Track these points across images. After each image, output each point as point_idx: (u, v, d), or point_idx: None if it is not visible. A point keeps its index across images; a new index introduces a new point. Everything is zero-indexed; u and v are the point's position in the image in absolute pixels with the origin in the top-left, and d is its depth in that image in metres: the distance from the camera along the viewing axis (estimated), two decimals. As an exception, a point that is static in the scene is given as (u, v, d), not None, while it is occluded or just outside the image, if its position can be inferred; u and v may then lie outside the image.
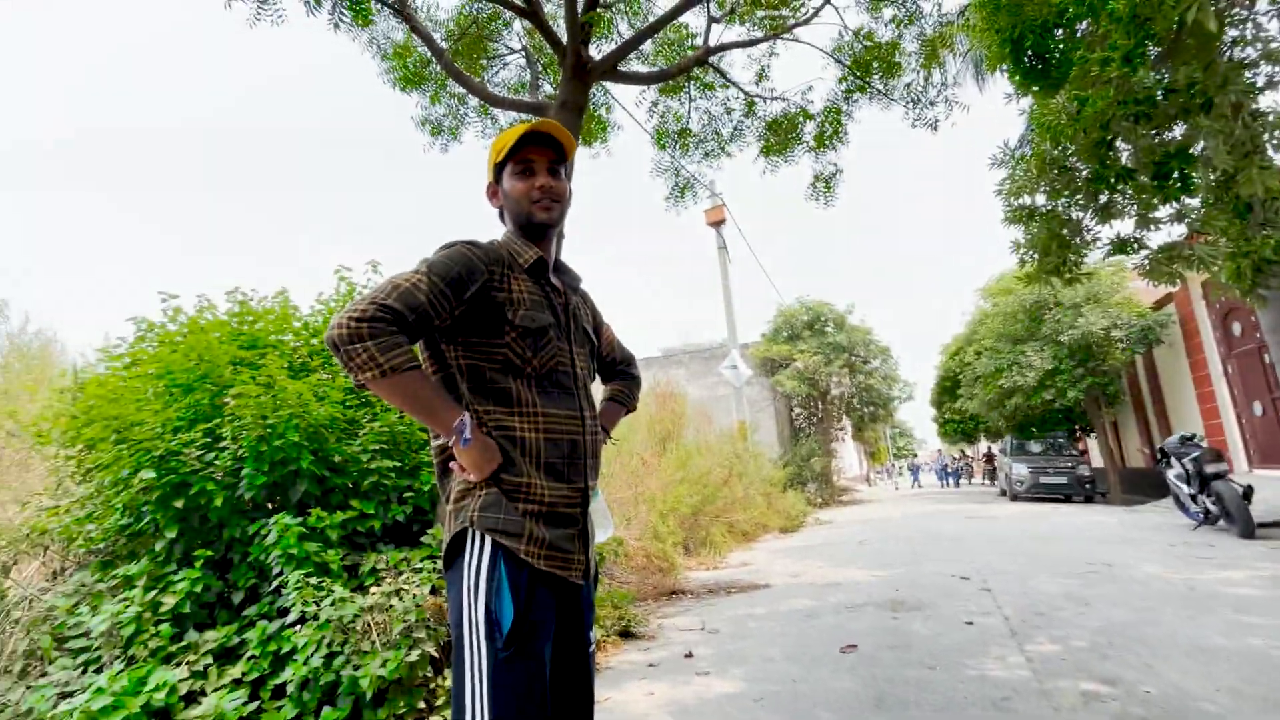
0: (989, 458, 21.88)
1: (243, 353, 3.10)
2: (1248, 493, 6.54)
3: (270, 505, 2.77)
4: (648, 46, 6.31)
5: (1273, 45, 4.61)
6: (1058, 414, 14.97)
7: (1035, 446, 14.83)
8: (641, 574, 5.15)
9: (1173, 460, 7.51)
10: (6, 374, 4.93)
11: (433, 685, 2.42)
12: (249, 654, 2.29)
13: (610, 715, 2.56)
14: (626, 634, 3.74)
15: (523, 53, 6.32)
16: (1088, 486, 13.13)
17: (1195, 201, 5.88)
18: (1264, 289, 5.76)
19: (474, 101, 6.46)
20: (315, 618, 2.29)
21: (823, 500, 15.36)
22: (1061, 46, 5.76)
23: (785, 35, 5.88)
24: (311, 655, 2.21)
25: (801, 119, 6.48)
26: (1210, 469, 6.85)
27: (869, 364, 17.21)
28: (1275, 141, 4.62)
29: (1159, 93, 5.05)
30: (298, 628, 2.32)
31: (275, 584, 2.46)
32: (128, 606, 2.30)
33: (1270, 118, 4.68)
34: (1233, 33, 4.85)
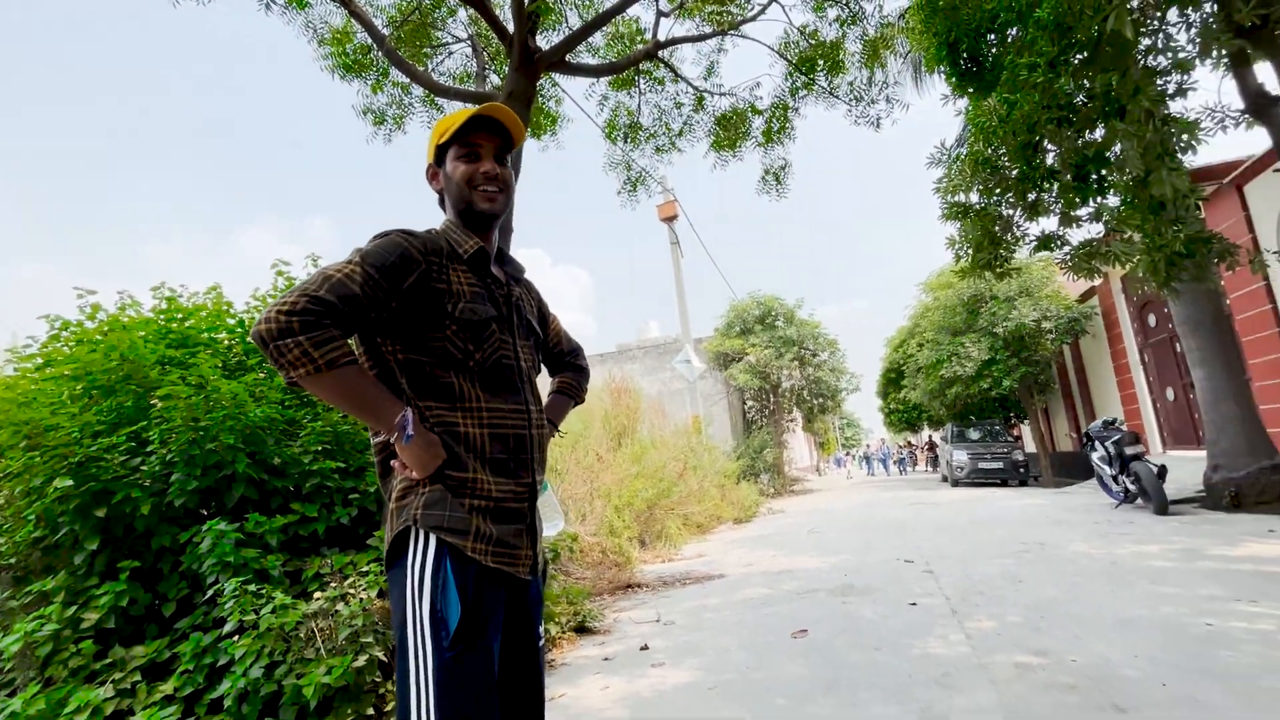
0: (931, 446, 22.80)
1: (171, 351, 2.93)
2: (1162, 472, 7.02)
3: (204, 512, 2.64)
4: (598, 39, 6.27)
5: (1181, 55, 4.92)
6: (994, 402, 15.73)
7: (974, 433, 15.55)
8: (597, 569, 5.15)
9: (1096, 444, 8.00)
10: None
11: (381, 690, 2.35)
12: (181, 669, 2.18)
13: (566, 711, 2.55)
14: (582, 629, 3.73)
15: (468, 42, 6.19)
16: (1022, 471, 13.86)
17: (1113, 201, 6.25)
18: (1176, 282, 6.18)
19: (419, 91, 6.29)
20: (255, 626, 2.19)
21: (775, 491, 15.69)
22: (994, 51, 6.02)
23: (733, 31, 5.94)
24: (250, 666, 2.12)
25: (750, 114, 6.57)
26: (1129, 450, 7.32)
27: (818, 356, 17.65)
28: (1183, 145, 4.95)
29: (1079, 98, 5.35)
30: (235, 638, 2.22)
31: (210, 593, 2.34)
32: (43, 624, 2.15)
33: (1179, 123, 5.00)
34: (1145, 41, 5.18)
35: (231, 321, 3.34)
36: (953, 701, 2.25)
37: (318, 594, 2.38)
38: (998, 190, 5.62)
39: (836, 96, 6.40)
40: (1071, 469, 14.63)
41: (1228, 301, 8.31)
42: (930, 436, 23.93)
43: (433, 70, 6.29)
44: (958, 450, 14.52)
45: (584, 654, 3.32)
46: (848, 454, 41.24)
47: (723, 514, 9.63)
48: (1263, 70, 5.42)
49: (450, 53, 6.42)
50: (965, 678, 2.46)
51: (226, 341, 3.28)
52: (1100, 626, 2.97)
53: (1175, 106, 5.30)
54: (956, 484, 14.40)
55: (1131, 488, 7.36)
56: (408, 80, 5.97)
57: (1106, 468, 7.83)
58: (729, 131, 6.62)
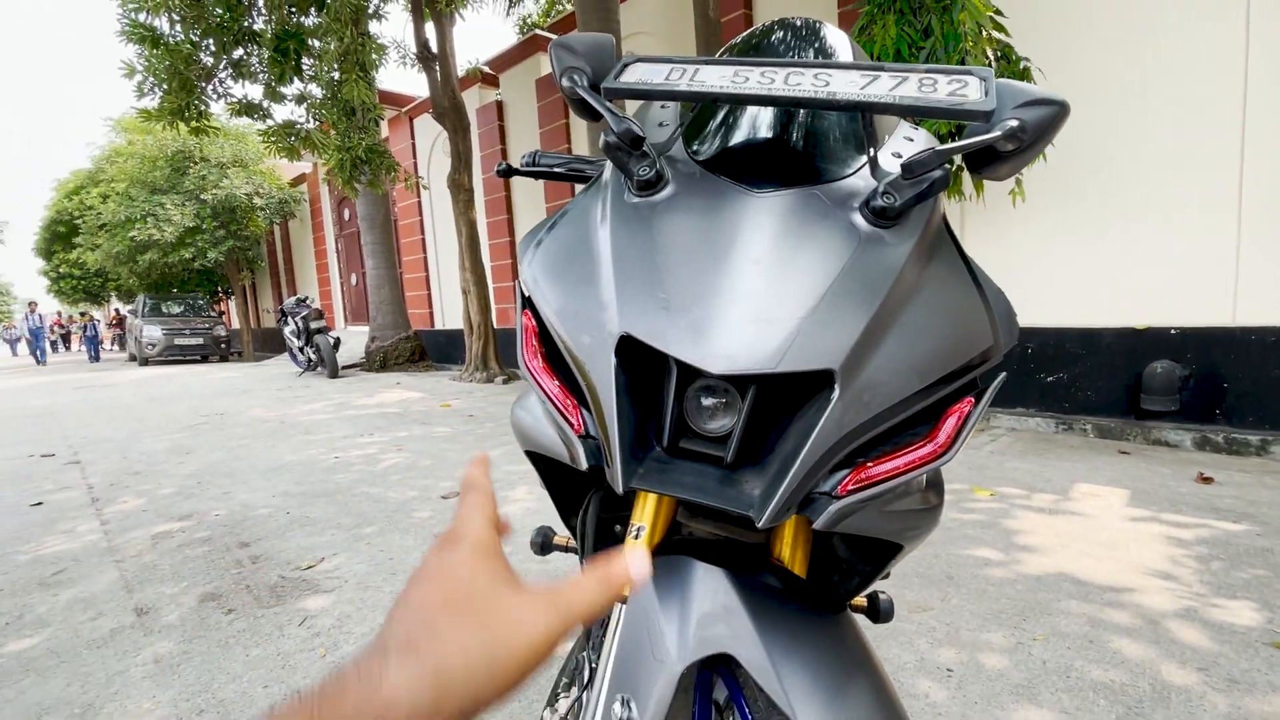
0: (119, 321, 19.29)
1: None
2: (337, 343, 8.35)
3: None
4: None
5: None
6: (199, 275, 14.67)
7: (174, 307, 14.09)
8: None
9: (289, 318, 8.71)
10: None
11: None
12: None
13: None
14: None
15: None
16: (224, 346, 13.64)
17: (320, 93, 6.66)
18: (357, 183, 7.20)
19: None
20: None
21: None
22: None
23: None
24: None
25: None
26: (314, 325, 8.33)
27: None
28: (371, 63, 5.70)
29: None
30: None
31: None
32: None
33: (371, 42, 5.68)
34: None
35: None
36: (58, 598, 1.97)
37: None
38: (198, 27, 4.97)
39: None
40: (274, 344, 15.50)
41: (396, 208, 10.48)
42: (118, 310, 20.12)
43: None
44: (150, 326, 12.85)
45: None
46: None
47: None
48: (432, 29, 6.82)
49: None
50: (86, 567, 2.20)
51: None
52: (253, 478, 3.26)
53: (374, 28, 6.02)
54: (147, 363, 12.81)
55: (314, 357, 8.44)
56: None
57: (295, 340, 8.66)
58: None
